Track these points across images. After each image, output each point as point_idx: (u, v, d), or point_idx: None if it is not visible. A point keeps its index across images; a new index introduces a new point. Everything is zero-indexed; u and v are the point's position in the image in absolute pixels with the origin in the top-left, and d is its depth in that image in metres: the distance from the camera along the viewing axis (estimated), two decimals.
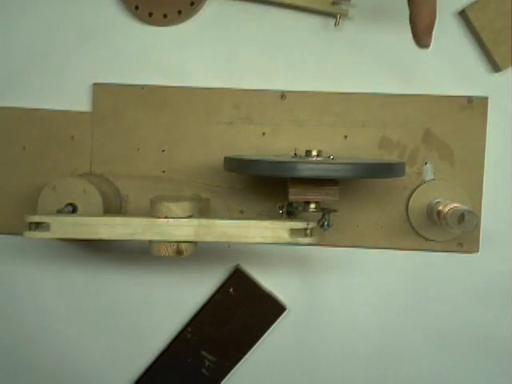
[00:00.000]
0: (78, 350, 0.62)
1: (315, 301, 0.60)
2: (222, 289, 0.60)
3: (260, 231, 0.48)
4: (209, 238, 0.49)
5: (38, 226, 0.49)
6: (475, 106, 0.58)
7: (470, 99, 0.58)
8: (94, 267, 0.61)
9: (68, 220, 0.49)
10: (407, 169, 0.54)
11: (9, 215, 0.60)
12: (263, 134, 0.59)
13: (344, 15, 0.58)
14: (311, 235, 0.48)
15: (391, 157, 0.59)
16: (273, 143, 0.59)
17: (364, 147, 0.59)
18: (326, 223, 0.52)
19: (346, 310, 0.60)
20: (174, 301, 0.61)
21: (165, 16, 0.59)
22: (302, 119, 0.59)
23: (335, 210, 0.53)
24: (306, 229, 0.48)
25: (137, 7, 0.59)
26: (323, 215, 0.52)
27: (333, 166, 0.46)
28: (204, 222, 0.48)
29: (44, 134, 0.60)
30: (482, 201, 0.58)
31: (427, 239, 0.58)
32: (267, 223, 0.48)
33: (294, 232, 0.48)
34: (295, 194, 0.50)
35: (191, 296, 0.61)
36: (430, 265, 0.59)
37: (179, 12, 0.59)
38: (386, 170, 0.49)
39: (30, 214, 0.49)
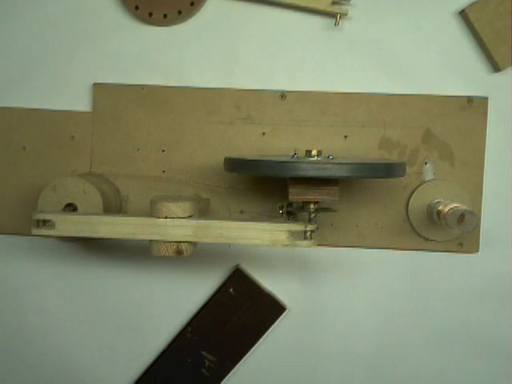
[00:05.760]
0: (78, 350, 0.62)
1: (315, 301, 0.60)
2: (222, 289, 0.60)
3: (258, 233, 0.48)
4: (207, 239, 0.49)
5: (44, 223, 0.49)
6: (475, 106, 0.58)
7: (470, 99, 0.58)
8: (94, 267, 0.61)
9: (71, 218, 0.50)
10: (407, 169, 0.54)
11: (9, 215, 0.60)
12: (263, 133, 0.59)
13: (344, 15, 0.58)
14: (311, 238, 0.48)
15: (391, 157, 0.59)
16: (273, 143, 0.59)
17: (364, 147, 0.59)
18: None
19: (346, 309, 0.60)
20: (174, 301, 0.61)
21: (165, 16, 0.59)
22: (301, 119, 0.59)
23: (335, 210, 0.53)
24: (304, 231, 0.48)
25: (137, 7, 0.59)
26: (309, 219, 0.51)
27: (333, 166, 0.46)
28: (202, 223, 0.48)
29: (44, 134, 0.60)
30: (482, 201, 0.58)
31: (427, 239, 0.58)
32: (265, 225, 0.48)
33: (292, 234, 0.48)
34: (295, 194, 0.50)
35: (191, 296, 0.61)
36: (430, 265, 0.59)
37: (179, 12, 0.59)
38: (387, 170, 0.49)
39: (37, 212, 0.50)
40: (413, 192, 0.58)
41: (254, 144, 0.59)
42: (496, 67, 0.58)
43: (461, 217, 0.50)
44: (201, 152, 0.59)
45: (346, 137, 0.59)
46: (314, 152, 0.52)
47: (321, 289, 0.60)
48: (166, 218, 0.48)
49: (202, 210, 0.56)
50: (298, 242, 0.48)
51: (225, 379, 0.60)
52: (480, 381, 0.60)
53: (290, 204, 0.52)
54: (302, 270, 0.60)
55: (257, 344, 0.60)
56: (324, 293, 0.60)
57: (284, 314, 0.60)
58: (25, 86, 0.61)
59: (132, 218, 0.49)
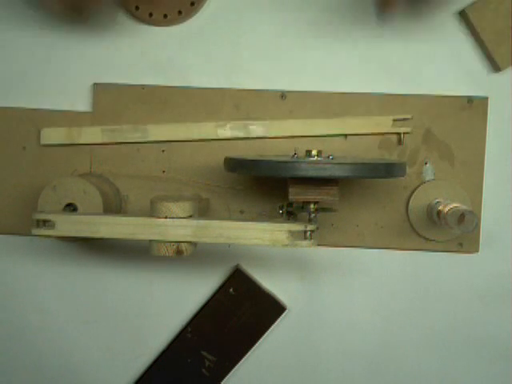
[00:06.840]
0: (78, 350, 0.62)
1: (315, 301, 0.60)
2: (222, 289, 0.60)
3: (258, 233, 0.48)
4: (207, 239, 0.49)
5: (44, 223, 0.49)
6: (475, 106, 0.58)
7: (470, 99, 0.58)
8: (94, 267, 0.61)
9: (71, 218, 0.50)
10: (407, 169, 0.53)
11: (9, 215, 0.60)
12: None
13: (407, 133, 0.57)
14: (311, 238, 0.48)
15: (391, 157, 0.59)
16: (273, 143, 0.59)
17: (364, 147, 0.59)
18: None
19: (346, 309, 0.60)
20: (174, 301, 0.61)
21: (165, 16, 0.59)
22: (301, 119, 0.59)
23: (335, 210, 0.53)
24: (304, 231, 0.48)
25: (137, 7, 0.59)
26: (309, 219, 0.51)
27: (333, 166, 0.46)
28: (202, 222, 0.48)
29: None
30: (482, 201, 0.58)
31: (427, 239, 0.58)
32: (265, 225, 0.48)
33: (292, 234, 0.48)
34: (295, 194, 0.50)
35: (191, 296, 0.61)
36: (430, 265, 0.59)
37: (179, 12, 0.59)
38: (387, 170, 0.49)
39: (37, 212, 0.50)
40: (413, 192, 0.58)
41: (254, 144, 0.59)
42: (496, 67, 0.58)
43: (461, 217, 0.50)
44: (201, 152, 0.59)
45: (346, 137, 0.59)
46: (314, 152, 0.52)
47: (321, 289, 0.60)
48: (166, 217, 0.48)
49: (202, 210, 0.56)
50: (298, 242, 0.48)
51: (225, 379, 0.60)
52: (480, 381, 0.60)
53: (290, 204, 0.52)
54: (302, 270, 0.60)
55: (257, 344, 0.60)
56: (324, 293, 0.60)
57: (284, 313, 0.60)
58: (25, 86, 0.61)
59: (132, 218, 0.49)
